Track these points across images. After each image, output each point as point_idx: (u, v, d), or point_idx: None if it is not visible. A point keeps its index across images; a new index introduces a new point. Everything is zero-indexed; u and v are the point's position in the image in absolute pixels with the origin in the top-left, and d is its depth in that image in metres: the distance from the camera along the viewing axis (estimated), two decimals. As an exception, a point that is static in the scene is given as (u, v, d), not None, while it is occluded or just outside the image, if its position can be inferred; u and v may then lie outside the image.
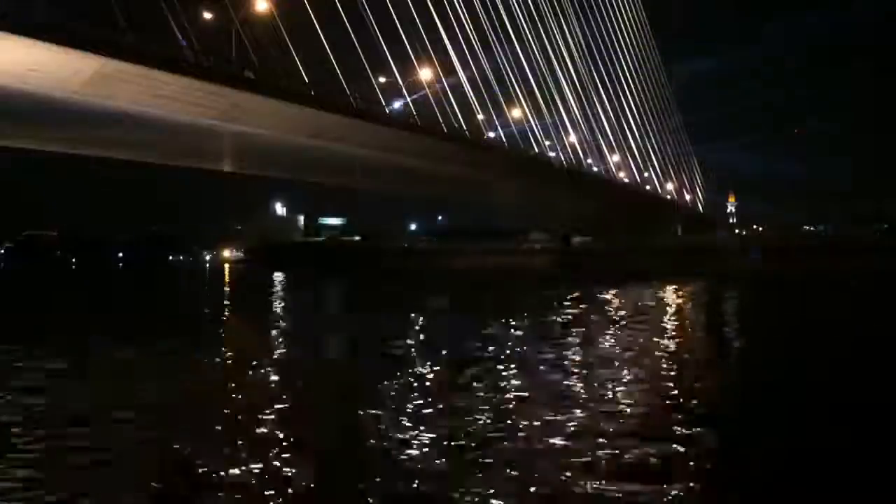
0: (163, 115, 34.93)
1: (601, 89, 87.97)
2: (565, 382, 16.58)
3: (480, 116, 58.70)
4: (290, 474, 10.39)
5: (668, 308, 37.08)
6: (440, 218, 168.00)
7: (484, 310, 35.08)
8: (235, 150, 44.59)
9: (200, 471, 10.48)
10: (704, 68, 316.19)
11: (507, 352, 21.08)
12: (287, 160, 49.37)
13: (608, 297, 42.36)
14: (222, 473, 10.35)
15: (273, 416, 13.65)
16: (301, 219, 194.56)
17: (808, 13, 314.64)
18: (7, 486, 9.89)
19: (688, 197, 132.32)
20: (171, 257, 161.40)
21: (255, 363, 19.40)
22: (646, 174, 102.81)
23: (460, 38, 56.72)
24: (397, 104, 48.66)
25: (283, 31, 39.90)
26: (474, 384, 16.30)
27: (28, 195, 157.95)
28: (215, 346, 23.52)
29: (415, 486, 9.84)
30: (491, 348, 21.68)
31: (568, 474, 10.10)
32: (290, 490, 9.80)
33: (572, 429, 12.37)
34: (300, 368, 19.82)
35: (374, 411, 13.59)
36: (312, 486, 10.01)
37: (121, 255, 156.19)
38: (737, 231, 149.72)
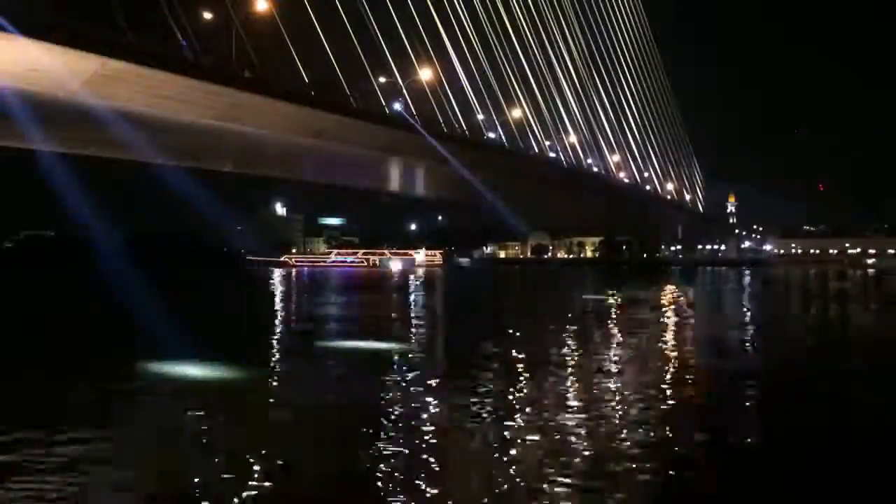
0: (163, 115, 34.91)
1: (601, 89, 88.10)
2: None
3: (480, 116, 58.70)
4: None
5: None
6: (440, 218, 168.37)
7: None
8: (235, 150, 44.56)
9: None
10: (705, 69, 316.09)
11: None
12: (286, 160, 49.34)
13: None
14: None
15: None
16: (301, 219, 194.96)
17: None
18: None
19: (688, 197, 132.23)
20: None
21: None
22: (646, 174, 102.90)
23: (460, 38, 56.81)
24: (397, 104, 48.63)
25: (283, 31, 39.94)
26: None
27: (27, 194, 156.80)
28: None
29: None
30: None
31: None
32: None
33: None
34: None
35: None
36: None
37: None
38: None
